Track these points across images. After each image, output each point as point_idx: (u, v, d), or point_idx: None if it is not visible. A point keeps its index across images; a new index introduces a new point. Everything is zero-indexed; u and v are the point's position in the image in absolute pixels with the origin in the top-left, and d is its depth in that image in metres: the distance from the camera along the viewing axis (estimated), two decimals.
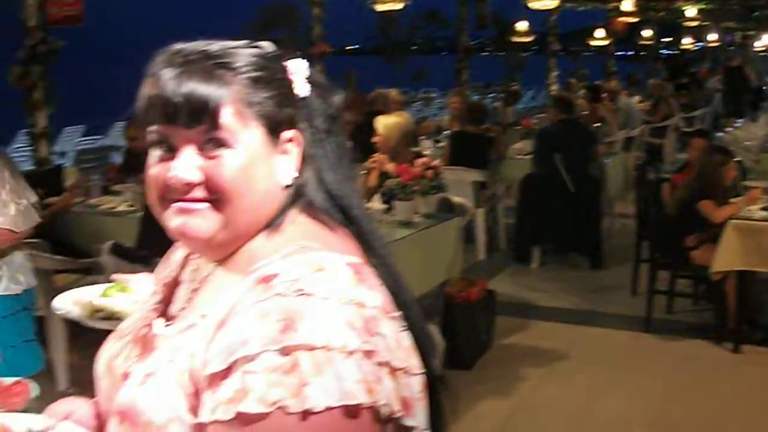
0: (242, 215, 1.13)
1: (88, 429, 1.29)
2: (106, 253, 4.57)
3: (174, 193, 1.12)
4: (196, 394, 1.05)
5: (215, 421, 0.99)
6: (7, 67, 7.21)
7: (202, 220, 1.12)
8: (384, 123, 5.40)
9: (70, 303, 2.03)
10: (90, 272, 4.90)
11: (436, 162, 5.28)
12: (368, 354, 1.00)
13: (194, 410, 1.05)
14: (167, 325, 1.22)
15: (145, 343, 1.23)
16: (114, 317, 1.93)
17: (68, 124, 12.25)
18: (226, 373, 1.00)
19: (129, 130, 7.03)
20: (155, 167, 1.14)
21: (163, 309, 1.29)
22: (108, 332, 1.49)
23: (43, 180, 6.22)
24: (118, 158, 9.42)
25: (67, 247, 5.28)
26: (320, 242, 1.12)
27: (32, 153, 7.70)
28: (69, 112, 8.44)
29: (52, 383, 4.61)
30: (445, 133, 9.47)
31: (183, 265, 1.33)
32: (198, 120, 1.09)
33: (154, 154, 1.14)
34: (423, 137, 8.55)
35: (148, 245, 4.59)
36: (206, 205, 1.12)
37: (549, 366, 5.21)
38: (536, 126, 9.71)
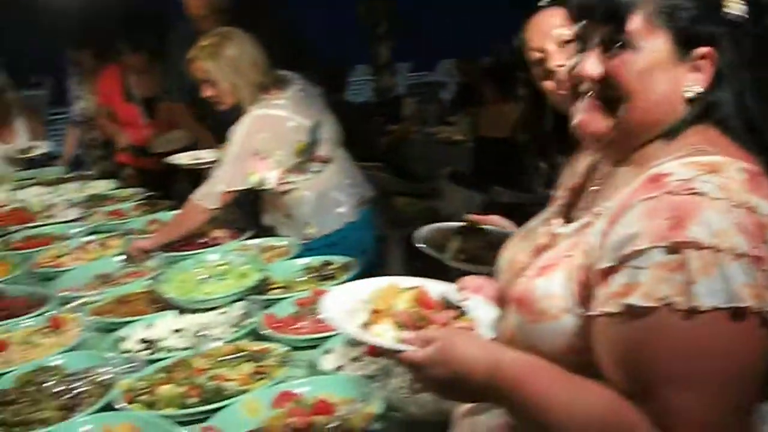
0: (636, 116, 1.17)
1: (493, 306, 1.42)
2: (445, 179, 4.83)
3: (580, 86, 1.21)
4: (588, 288, 1.12)
5: (603, 314, 1.07)
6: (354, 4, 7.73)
7: (598, 117, 1.20)
8: None
9: (429, 238, 2.05)
10: (427, 197, 5.15)
11: None
12: (757, 260, 1.00)
13: (585, 303, 1.13)
14: (566, 225, 1.30)
15: (544, 241, 1.32)
16: (472, 261, 1.93)
17: (398, 59, 12.82)
18: (616, 267, 1.06)
19: (462, 64, 7.31)
20: (569, 61, 1.24)
21: (566, 212, 1.37)
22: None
23: (384, 109, 6.72)
24: (444, 94, 9.80)
25: (406, 171, 5.65)
26: (720, 149, 1.12)
27: (374, 84, 8.23)
28: (398, 49, 8.85)
29: None
30: None
31: (589, 172, 1.40)
32: (609, 19, 1.16)
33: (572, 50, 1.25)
34: None
35: (483, 173, 4.83)
36: (604, 103, 1.19)
37: None
38: None
